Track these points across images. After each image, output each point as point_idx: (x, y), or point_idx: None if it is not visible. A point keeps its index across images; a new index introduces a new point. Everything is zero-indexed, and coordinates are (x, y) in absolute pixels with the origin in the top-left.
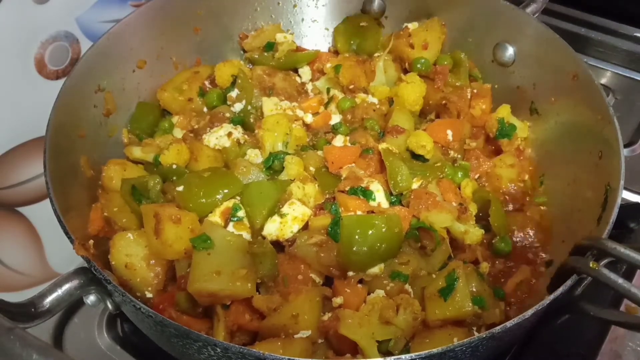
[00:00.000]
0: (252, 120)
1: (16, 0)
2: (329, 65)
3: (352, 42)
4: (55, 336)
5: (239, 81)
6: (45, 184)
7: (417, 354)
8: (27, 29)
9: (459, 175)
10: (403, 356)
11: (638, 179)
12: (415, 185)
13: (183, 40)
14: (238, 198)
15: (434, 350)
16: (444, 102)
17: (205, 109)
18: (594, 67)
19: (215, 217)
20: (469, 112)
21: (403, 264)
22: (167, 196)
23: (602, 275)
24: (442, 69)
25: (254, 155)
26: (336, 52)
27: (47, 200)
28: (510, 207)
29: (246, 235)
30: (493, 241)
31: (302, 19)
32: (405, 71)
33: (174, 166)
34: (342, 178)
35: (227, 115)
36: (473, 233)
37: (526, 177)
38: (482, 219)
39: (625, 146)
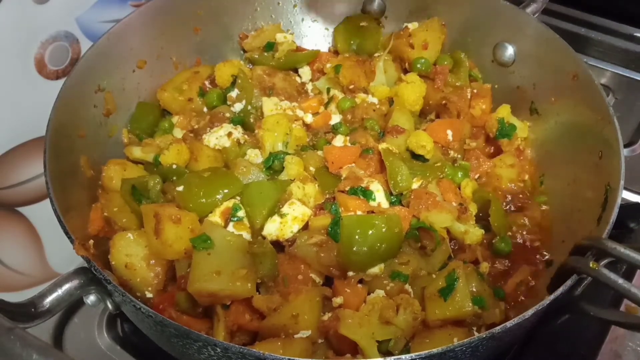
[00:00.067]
0: (252, 120)
1: (16, 0)
2: (329, 65)
3: (352, 42)
4: (55, 336)
5: (239, 81)
6: (45, 184)
7: (417, 354)
8: (27, 29)
9: (459, 175)
10: (403, 356)
11: (638, 179)
12: (415, 185)
13: (183, 40)
14: (238, 198)
15: (434, 350)
16: (444, 102)
17: (205, 109)
18: (594, 67)
19: (215, 217)
20: (469, 112)
21: (403, 264)
22: (167, 196)
23: (602, 275)
24: (442, 69)
25: (254, 155)
26: (336, 52)
27: (47, 200)
28: (511, 207)
29: (246, 235)
30: (493, 241)
31: (302, 19)
32: (405, 71)
33: (174, 166)
34: (342, 178)
35: (227, 115)
36: (473, 233)
37: (526, 177)
38: (482, 219)
39: (625, 146)
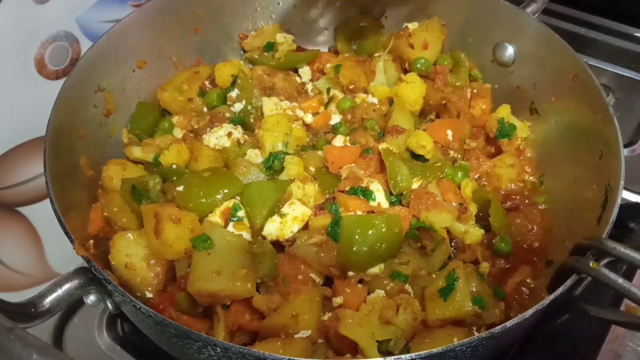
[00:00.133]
0: (252, 120)
1: (16, 0)
2: (329, 65)
3: (352, 42)
4: (55, 336)
5: (239, 81)
6: (45, 184)
7: (417, 354)
8: (27, 29)
9: (459, 175)
10: (403, 356)
11: (638, 179)
12: (415, 185)
13: (183, 40)
14: (238, 198)
15: (434, 350)
16: (444, 102)
17: (205, 109)
18: (594, 67)
19: (215, 217)
20: (469, 112)
21: (403, 264)
22: (167, 196)
23: (602, 275)
24: (442, 69)
25: (254, 155)
26: (336, 52)
27: (47, 200)
28: (511, 207)
29: (246, 235)
30: (493, 241)
31: (302, 19)
32: (405, 71)
33: (174, 166)
34: (342, 178)
35: (227, 115)
36: (473, 233)
37: (526, 177)
38: (482, 219)
39: (625, 146)
